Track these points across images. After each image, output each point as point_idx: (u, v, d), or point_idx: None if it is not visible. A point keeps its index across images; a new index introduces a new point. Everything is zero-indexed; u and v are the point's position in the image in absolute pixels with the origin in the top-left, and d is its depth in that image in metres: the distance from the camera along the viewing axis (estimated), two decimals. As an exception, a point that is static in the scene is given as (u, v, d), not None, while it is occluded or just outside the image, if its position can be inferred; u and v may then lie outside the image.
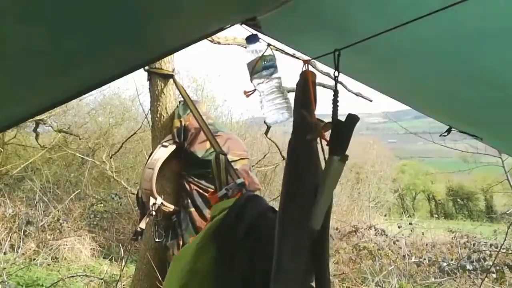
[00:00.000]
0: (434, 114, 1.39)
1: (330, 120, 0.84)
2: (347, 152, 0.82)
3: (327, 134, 0.84)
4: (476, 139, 1.40)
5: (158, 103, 2.32)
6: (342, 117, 0.83)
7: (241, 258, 1.06)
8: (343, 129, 0.81)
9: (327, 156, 0.83)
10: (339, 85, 0.87)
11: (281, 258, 0.87)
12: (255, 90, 1.08)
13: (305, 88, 0.91)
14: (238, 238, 1.08)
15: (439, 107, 1.32)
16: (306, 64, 0.95)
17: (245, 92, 1.09)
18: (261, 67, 1.04)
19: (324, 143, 0.85)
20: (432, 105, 1.32)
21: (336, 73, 0.86)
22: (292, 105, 0.96)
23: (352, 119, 0.81)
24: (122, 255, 4.77)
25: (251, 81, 1.07)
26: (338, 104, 0.84)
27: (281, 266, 0.87)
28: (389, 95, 1.27)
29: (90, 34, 0.59)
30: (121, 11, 0.56)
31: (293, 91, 0.96)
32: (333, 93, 0.84)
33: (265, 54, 1.04)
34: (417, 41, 0.85)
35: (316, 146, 0.90)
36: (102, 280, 4.14)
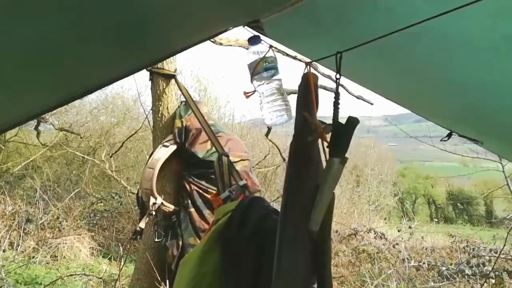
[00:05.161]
0: (434, 118, 1.39)
1: (331, 122, 0.85)
2: (347, 155, 0.82)
3: (328, 136, 0.85)
4: (476, 143, 1.41)
5: (160, 103, 2.32)
6: (343, 120, 0.84)
7: (247, 260, 1.07)
8: (343, 132, 0.81)
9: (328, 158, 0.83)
10: (340, 88, 0.87)
11: (282, 258, 0.88)
12: (255, 91, 1.07)
13: (307, 90, 0.92)
14: (243, 240, 1.09)
15: (440, 111, 1.32)
16: (308, 66, 0.95)
17: (245, 93, 1.09)
18: (262, 68, 1.03)
19: (325, 145, 0.86)
20: (433, 109, 1.32)
21: (338, 76, 0.86)
22: (293, 107, 0.97)
23: (352, 122, 0.81)
24: (121, 254, 4.76)
25: (252, 82, 1.07)
26: (339, 106, 0.84)
27: (282, 266, 0.87)
28: (391, 98, 1.27)
29: (95, 36, 0.60)
30: (126, 12, 0.57)
31: (295, 93, 0.97)
32: (334, 95, 0.85)
33: (266, 55, 1.03)
34: (419, 45, 0.86)
35: (318, 148, 0.90)
36: (100, 279, 4.13)
